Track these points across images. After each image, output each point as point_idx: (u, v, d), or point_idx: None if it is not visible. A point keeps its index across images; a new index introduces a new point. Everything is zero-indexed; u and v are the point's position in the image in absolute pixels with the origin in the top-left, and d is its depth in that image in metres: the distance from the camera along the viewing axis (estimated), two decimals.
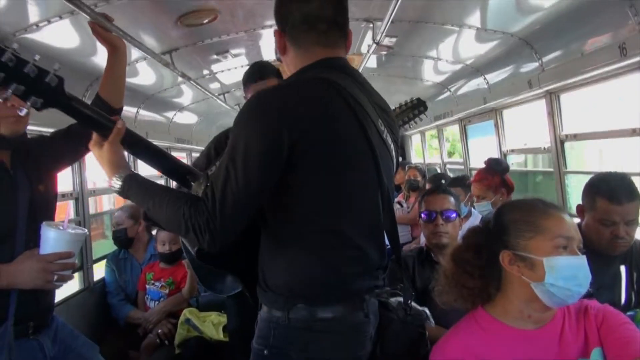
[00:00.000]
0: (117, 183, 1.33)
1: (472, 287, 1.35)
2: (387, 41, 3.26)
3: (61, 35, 2.40)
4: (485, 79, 3.86)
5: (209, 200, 1.17)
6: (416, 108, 3.10)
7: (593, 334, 1.26)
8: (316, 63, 1.33)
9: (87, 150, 1.80)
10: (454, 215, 2.19)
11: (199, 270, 1.80)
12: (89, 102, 1.59)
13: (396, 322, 1.37)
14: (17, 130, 1.61)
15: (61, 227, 1.59)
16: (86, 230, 1.75)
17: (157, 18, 2.63)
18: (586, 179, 1.92)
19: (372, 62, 4.05)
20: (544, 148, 3.40)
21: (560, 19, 2.59)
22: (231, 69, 3.95)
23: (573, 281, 1.23)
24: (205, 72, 3.94)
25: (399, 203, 4.51)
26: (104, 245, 3.55)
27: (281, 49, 1.39)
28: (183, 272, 3.10)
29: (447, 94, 4.79)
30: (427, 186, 4.06)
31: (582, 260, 1.25)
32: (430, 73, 4.44)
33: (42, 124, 2.36)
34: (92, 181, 3.73)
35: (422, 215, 2.23)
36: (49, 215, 1.73)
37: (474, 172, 3.81)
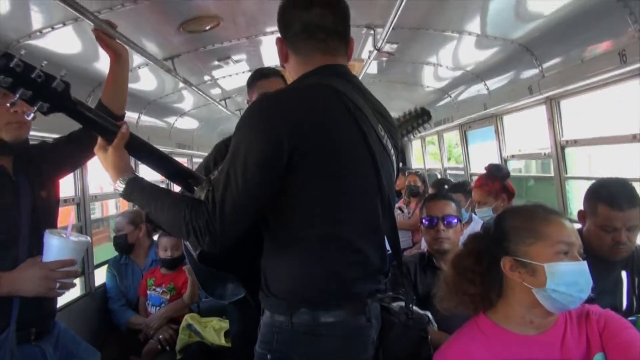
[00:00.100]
0: (120, 186, 1.35)
1: (474, 294, 1.35)
2: (387, 47, 3.28)
3: (64, 42, 2.42)
4: (485, 84, 3.87)
5: (210, 204, 1.19)
6: (420, 117, 3.12)
7: (595, 339, 1.26)
8: (317, 69, 1.34)
9: (88, 156, 1.84)
10: (455, 220, 2.19)
11: (200, 276, 1.80)
12: None
13: (398, 326, 1.37)
14: (20, 136, 1.62)
15: (64, 235, 1.59)
16: (89, 238, 1.75)
17: (159, 24, 2.65)
18: (583, 184, 1.93)
19: (372, 68, 4.07)
20: (545, 154, 3.41)
21: (561, 26, 2.61)
22: (232, 75, 3.97)
23: (574, 287, 1.23)
24: (207, 78, 3.96)
25: (400, 209, 4.52)
26: (109, 248, 3.55)
27: (283, 56, 1.41)
28: (184, 278, 3.10)
29: (448, 99, 4.81)
30: (431, 190, 4.07)
31: (583, 265, 1.25)
32: (431, 79, 4.46)
33: (44, 130, 2.37)
34: (99, 186, 3.75)
35: (424, 220, 2.23)
36: (52, 221, 1.73)
37: (474, 178, 3.81)
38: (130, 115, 3.83)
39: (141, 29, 2.60)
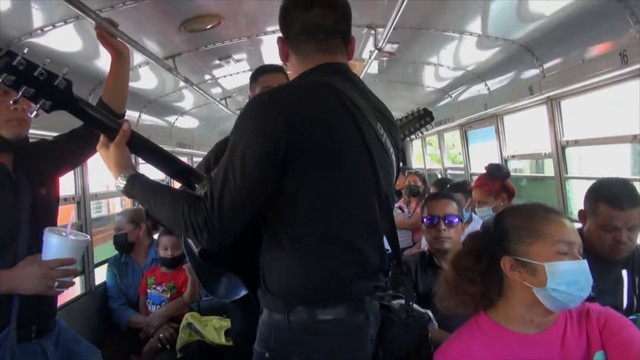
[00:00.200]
0: (121, 182, 1.36)
1: (474, 293, 1.35)
2: (388, 47, 3.29)
3: (66, 40, 2.42)
4: (486, 85, 3.88)
5: (208, 200, 1.20)
6: (422, 118, 3.12)
7: (595, 338, 1.26)
8: (317, 68, 1.35)
9: (89, 154, 1.84)
10: (456, 220, 2.19)
11: (201, 275, 1.80)
12: None
13: (398, 324, 1.38)
14: (20, 134, 1.62)
15: (64, 233, 1.59)
16: (88, 237, 1.75)
17: (160, 23, 2.66)
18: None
19: (373, 68, 4.07)
20: (545, 154, 3.42)
21: (561, 26, 2.61)
22: (233, 74, 3.97)
23: (575, 286, 1.23)
24: (207, 77, 3.96)
25: (400, 208, 4.52)
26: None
27: (284, 55, 1.42)
28: (184, 277, 3.10)
29: (448, 99, 4.81)
30: (432, 189, 4.07)
31: (583, 264, 1.25)
32: (432, 79, 4.46)
33: (43, 128, 2.37)
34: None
35: (425, 220, 2.23)
36: (51, 219, 1.73)
37: (474, 178, 3.82)
38: (131, 114, 3.83)
39: (142, 27, 2.60)
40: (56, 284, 1.55)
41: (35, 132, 2.35)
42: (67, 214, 1.97)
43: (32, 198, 1.65)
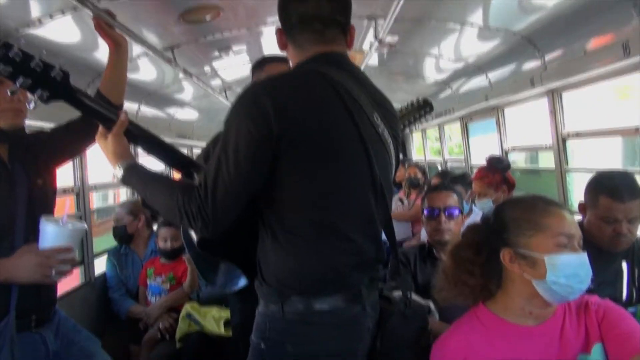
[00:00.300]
0: (119, 172, 1.38)
1: (473, 285, 1.35)
2: (389, 39, 3.27)
3: (63, 31, 2.40)
4: (487, 77, 3.86)
5: (202, 188, 1.21)
6: (422, 108, 3.09)
7: (594, 330, 1.26)
8: (313, 58, 1.35)
9: (86, 145, 1.84)
10: (457, 212, 2.19)
11: (201, 266, 1.80)
12: None
13: (396, 315, 1.38)
14: (16, 124, 1.62)
15: (60, 222, 1.60)
16: (85, 225, 1.75)
17: (159, 14, 2.63)
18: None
19: (373, 59, 4.05)
20: (546, 146, 3.41)
21: (563, 17, 2.59)
22: (233, 66, 3.95)
23: (574, 278, 1.23)
24: (207, 68, 3.94)
25: (400, 200, 4.52)
26: None
27: (282, 45, 1.42)
28: (184, 268, 3.11)
29: (449, 91, 4.79)
30: (435, 180, 4.06)
31: (583, 257, 1.25)
32: (432, 71, 4.44)
33: (40, 119, 2.36)
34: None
35: (425, 211, 2.23)
36: (48, 210, 1.72)
37: (474, 170, 3.81)
38: (131, 106, 3.82)
39: (141, 18, 2.58)
40: (54, 272, 1.55)
41: (32, 123, 2.34)
42: (62, 206, 1.96)
43: (28, 189, 1.65)
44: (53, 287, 1.74)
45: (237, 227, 1.31)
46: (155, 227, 3.36)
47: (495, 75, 3.79)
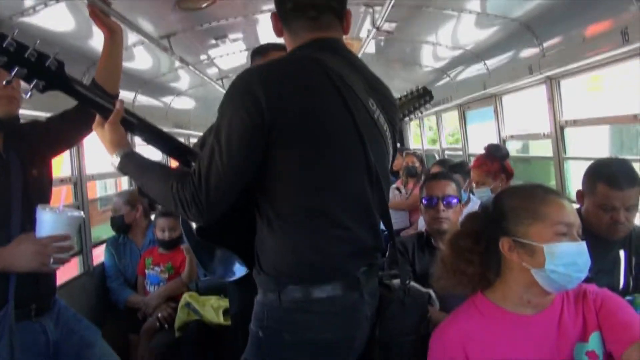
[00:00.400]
0: (116, 160, 1.39)
1: (472, 274, 1.35)
2: (386, 26, 3.24)
3: (58, 19, 2.38)
4: (485, 64, 3.83)
5: (196, 176, 1.22)
6: (422, 97, 3.07)
7: (592, 318, 1.27)
8: (307, 43, 1.34)
9: (82, 134, 1.84)
10: (455, 201, 2.18)
11: (200, 256, 1.81)
12: None
13: (395, 303, 1.38)
14: (10, 111, 1.61)
15: (57, 211, 1.59)
16: (82, 213, 1.75)
17: (155, 1, 2.60)
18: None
19: (370, 47, 4.02)
20: (544, 134, 3.40)
21: (562, 4, 2.57)
22: (229, 54, 3.92)
23: (573, 267, 1.23)
24: (203, 57, 3.91)
25: (398, 189, 4.52)
26: None
27: (277, 31, 1.42)
28: (182, 257, 3.11)
29: (447, 79, 4.76)
30: (436, 168, 4.06)
31: (582, 246, 1.26)
32: (430, 59, 4.41)
33: (35, 108, 2.34)
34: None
35: (424, 200, 2.22)
36: (45, 200, 1.72)
37: (472, 159, 3.81)
38: (127, 96, 3.79)
39: (136, 6, 2.54)
40: (51, 260, 1.55)
41: (27, 113, 2.32)
42: (67, 197, 1.96)
43: (23, 178, 1.64)
44: (52, 276, 1.74)
45: (237, 216, 1.31)
46: (153, 217, 3.35)
47: (493, 62, 3.77)
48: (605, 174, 1.78)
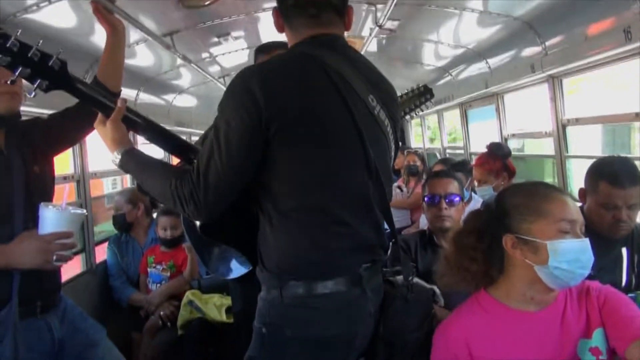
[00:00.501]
0: (117, 157, 1.40)
1: (475, 271, 1.35)
2: (389, 24, 3.23)
3: (61, 16, 2.37)
4: (487, 63, 3.83)
5: (194, 173, 1.24)
6: (423, 95, 3.07)
7: (595, 315, 1.27)
8: (306, 40, 1.35)
9: (84, 133, 1.84)
10: (457, 199, 2.19)
11: (202, 254, 1.81)
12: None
13: (399, 299, 1.38)
14: (12, 108, 1.61)
15: (60, 208, 1.59)
16: (85, 211, 1.75)
17: None
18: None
19: (372, 45, 4.02)
20: (545, 132, 3.40)
21: (564, 2, 2.57)
22: (232, 52, 3.92)
23: (576, 264, 1.24)
24: (205, 55, 3.91)
25: (399, 187, 4.52)
26: None
27: (279, 27, 1.42)
28: (184, 256, 3.11)
29: (448, 78, 4.76)
30: (438, 167, 4.06)
31: (585, 243, 1.26)
32: (431, 57, 4.41)
33: (37, 106, 2.34)
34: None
35: (426, 198, 2.22)
36: (47, 198, 1.72)
37: (474, 157, 3.81)
38: (129, 93, 3.80)
39: (139, 3, 2.54)
40: (54, 257, 1.55)
41: (28, 110, 2.32)
42: (70, 194, 1.96)
43: (25, 175, 1.65)
44: (56, 273, 1.74)
45: (240, 213, 1.32)
46: (155, 215, 3.36)
47: (495, 61, 3.77)
48: (607, 173, 1.78)
